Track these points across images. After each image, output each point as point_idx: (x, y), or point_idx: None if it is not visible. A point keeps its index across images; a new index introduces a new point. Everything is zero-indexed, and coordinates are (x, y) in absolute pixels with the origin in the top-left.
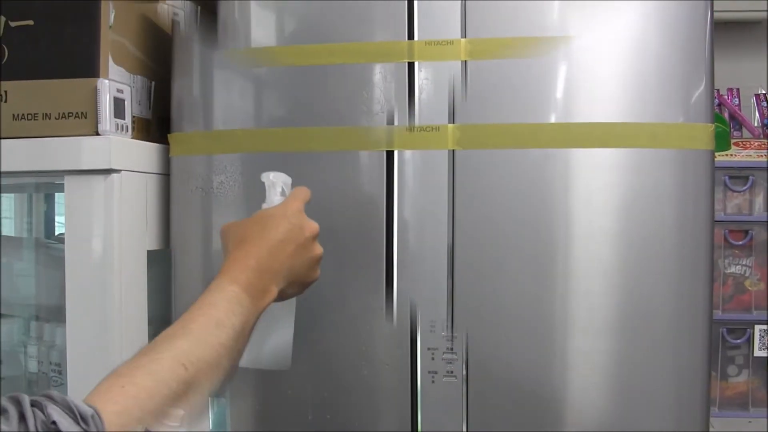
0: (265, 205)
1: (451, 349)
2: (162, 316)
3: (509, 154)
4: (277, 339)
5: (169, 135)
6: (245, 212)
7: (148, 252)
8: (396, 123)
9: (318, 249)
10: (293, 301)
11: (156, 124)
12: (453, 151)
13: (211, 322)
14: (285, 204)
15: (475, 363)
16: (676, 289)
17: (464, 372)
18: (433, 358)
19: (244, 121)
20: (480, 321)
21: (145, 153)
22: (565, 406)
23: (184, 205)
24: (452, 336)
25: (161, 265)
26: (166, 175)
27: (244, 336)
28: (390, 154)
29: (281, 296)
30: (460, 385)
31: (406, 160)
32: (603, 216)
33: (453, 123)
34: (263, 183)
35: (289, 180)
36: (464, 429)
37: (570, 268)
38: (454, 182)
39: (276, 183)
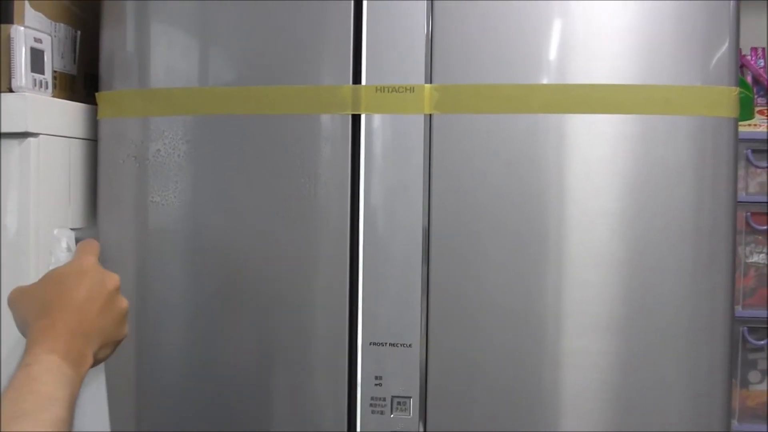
0: (52, 266)
1: (426, 348)
2: None
3: (495, 121)
4: (93, 404)
5: (97, 94)
6: (187, 184)
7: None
8: (364, 82)
9: (123, 302)
10: (102, 364)
11: (82, 80)
12: (430, 115)
13: (43, 398)
14: (78, 260)
15: (454, 364)
16: (691, 281)
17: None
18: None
19: (185, 79)
20: (460, 316)
21: (68, 114)
22: (558, 414)
23: (114, 176)
24: (427, 331)
25: None
26: (93, 140)
27: (73, 406)
28: (356, 119)
29: (96, 360)
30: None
31: (374, 126)
32: (604, 194)
33: (430, 83)
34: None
35: (72, 234)
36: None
37: (565, 256)
38: (431, 153)
39: (60, 238)
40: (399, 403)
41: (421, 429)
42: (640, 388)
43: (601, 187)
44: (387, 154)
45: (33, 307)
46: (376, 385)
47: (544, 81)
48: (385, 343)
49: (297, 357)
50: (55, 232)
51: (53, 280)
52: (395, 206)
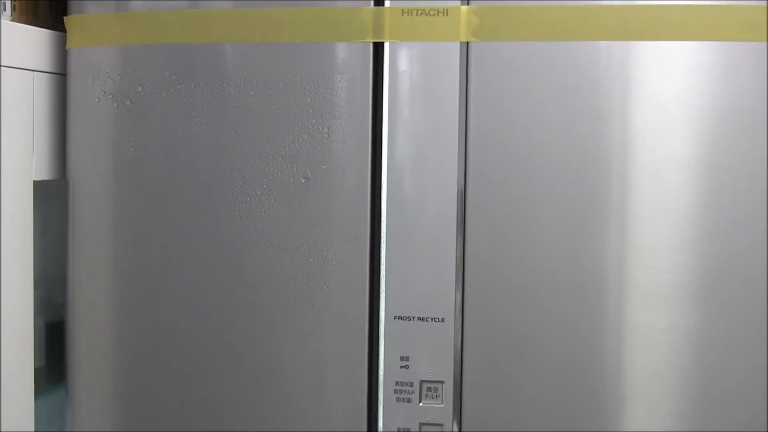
0: None
1: (462, 324)
2: (53, 273)
3: (546, 50)
4: None
5: (65, 18)
6: (176, 128)
7: (35, 183)
8: (387, 3)
9: None
10: None
11: (47, 1)
12: (467, 43)
13: None
14: None
15: (495, 343)
16: None
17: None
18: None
19: None
20: (502, 286)
21: (31, 42)
22: (623, 400)
23: (86, 118)
24: (463, 303)
25: (53, 201)
26: (62, 75)
27: None
28: (378, 48)
29: None
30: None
31: (399, 55)
32: (679, 139)
33: (467, 4)
34: None
35: None
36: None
37: (630, 215)
38: (468, 89)
39: None
40: (429, 389)
41: (455, 428)
42: (724, 378)
43: (675, 130)
44: (415, 90)
45: None
46: (401, 367)
47: (606, 1)
48: (413, 318)
49: (305, 334)
50: None
51: None
52: (425, 157)
